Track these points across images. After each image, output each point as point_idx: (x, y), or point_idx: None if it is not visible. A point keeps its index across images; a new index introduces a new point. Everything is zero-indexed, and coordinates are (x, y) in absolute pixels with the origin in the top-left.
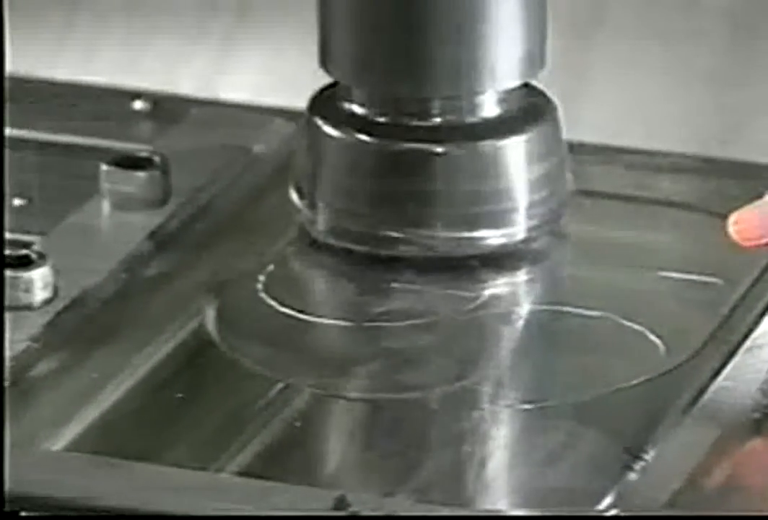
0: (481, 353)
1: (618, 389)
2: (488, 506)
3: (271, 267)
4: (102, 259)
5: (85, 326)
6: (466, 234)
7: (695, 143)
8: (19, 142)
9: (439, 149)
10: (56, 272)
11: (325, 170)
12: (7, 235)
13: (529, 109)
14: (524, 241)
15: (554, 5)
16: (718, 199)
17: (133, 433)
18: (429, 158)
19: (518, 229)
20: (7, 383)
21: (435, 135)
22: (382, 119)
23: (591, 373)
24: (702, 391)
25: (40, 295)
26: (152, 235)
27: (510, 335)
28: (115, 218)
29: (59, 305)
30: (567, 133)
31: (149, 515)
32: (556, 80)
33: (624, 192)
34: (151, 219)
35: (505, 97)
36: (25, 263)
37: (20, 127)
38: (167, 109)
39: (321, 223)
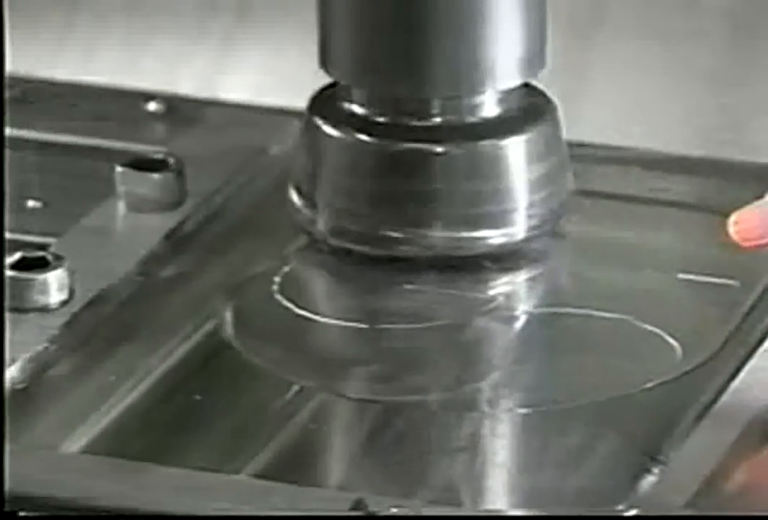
0: (498, 355)
1: (635, 392)
2: (504, 508)
3: (286, 269)
4: (118, 261)
5: (101, 327)
6: (467, 234)
7: (695, 143)
8: (34, 144)
9: (439, 149)
10: (72, 273)
11: (325, 170)
12: (23, 237)
13: (529, 109)
14: (526, 241)
15: (554, 5)
16: (718, 199)
17: (150, 435)
18: (429, 158)
19: (518, 229)
20: (23, 385)
21: (435, 135)
22: (381, 119)
23: (607, 375)
24: (719, 393)
25: (56, 297)
26: (168, 236)
27: (527, 337)
28: (131, 220)
29: (76, 306)
30: (567, 133)
31: (149, 515)
32: (556, 80)
33: (624, 192)
34: (167, 221)
35: (505, 97)
36: (42, 264)
37: (34, 129)
38: (182, 110)
39: (321, 224)
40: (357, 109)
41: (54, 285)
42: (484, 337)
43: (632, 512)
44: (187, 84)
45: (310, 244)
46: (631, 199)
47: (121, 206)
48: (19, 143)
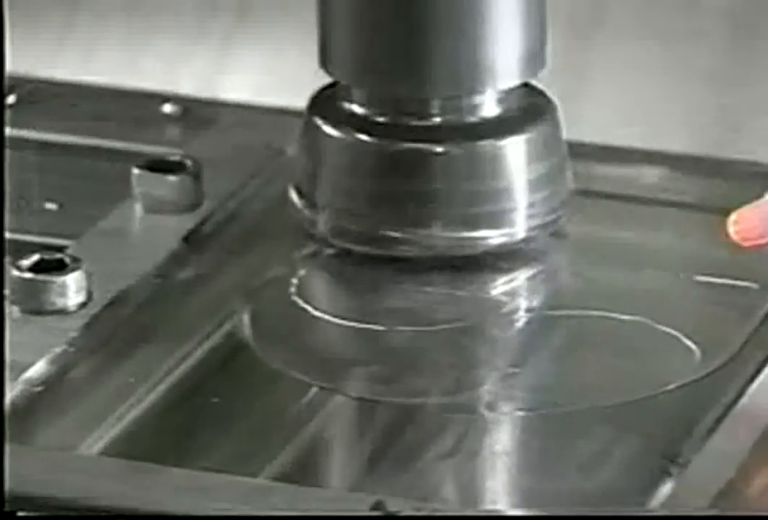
0: (516, 357)
1: (655, 395)
2: (522, 509)
3: (303, 270)
4: (135, 262)
5: (119, 329)
6: (467, 234)
7: (695, 143)
8: (50, 146)
9: (439, 149)
10: (90, 275)
11: (325, 170)
12: (40, 240)
13: (529, 108)
14: (527, 241)
15: (554, 5)
16: (718, 199)
17: (168, 437)
18: (429, 158)
19: (518, 229)
20: (42, 387)
21: (435, 135)
22: (381, 119)
23: (626, 378)
24: (739, 395)
25: (74, 299)
26: (185, 238)
27: (545, 339)
28: (148, 222)
29: (94, 308)
30: (567, 133)
31: (149, 515)
32: (556, 80)
33: (624, 192)
34: (184, 222)
35: (505, 96)
36: (60, 267)
37: (50, 131)
38: (197, 112)
39: (321, 224)
40: (357, 109)
41: (72, 287)
42: (508, 340)
43: (658, 512)
44: (188, 84)
45: (329, 246)
46: (631, 199)
47: (138, 208)
48: (35, 145)
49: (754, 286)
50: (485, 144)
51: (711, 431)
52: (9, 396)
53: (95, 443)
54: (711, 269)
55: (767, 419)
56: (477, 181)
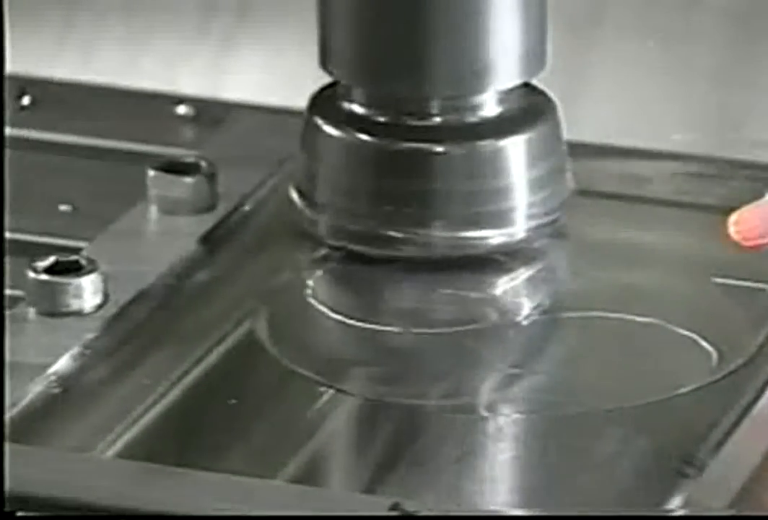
0: (533, 358)
1: (671, 396)
2: (540, 511)
3: (319, 272)
4: (151, 264)
5: (135, 331)
6: (467, 234)
7: (696, 143)
8: (65, 148)
9: (439, 149)
10: (106, 277)
11: (325, 170)
12: (56, 241)
13: (529, 108)
14: (527, 241)
15: (554, 5)
16: (718, 198)
17: (185, 439)
18: (429, 158)
19: (518, 229)
20: (59, 389)
21: (435, 135)
22: (381, 119)
23: (643, 379)
24: (756, 397)
25: (91, 301)
26: (201, 240)
27: (558, 341)
28: (163, 224)
29: (110, 310)
30: (567, 133)
31: (149, 515)
32: (556, 80)
33: (624, 192)
34: (199, 224)
35: (505, 96)
36: (76, 268)
37: (65, 132)
38: (211, 114)
39: (321, 223)
40: (357, 108)
41: (88, 289)
42: (527, 342)
43: (678, 513)
44: (187, 83)
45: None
46: (632, 199)
47: (153, 210)
48: (50, 147)
49: None
50: (485, 144)
51: (728, 433)
52: (26, 398)
53: (111, 445)
54: (719, 269)
55: None
56: (477, 181)
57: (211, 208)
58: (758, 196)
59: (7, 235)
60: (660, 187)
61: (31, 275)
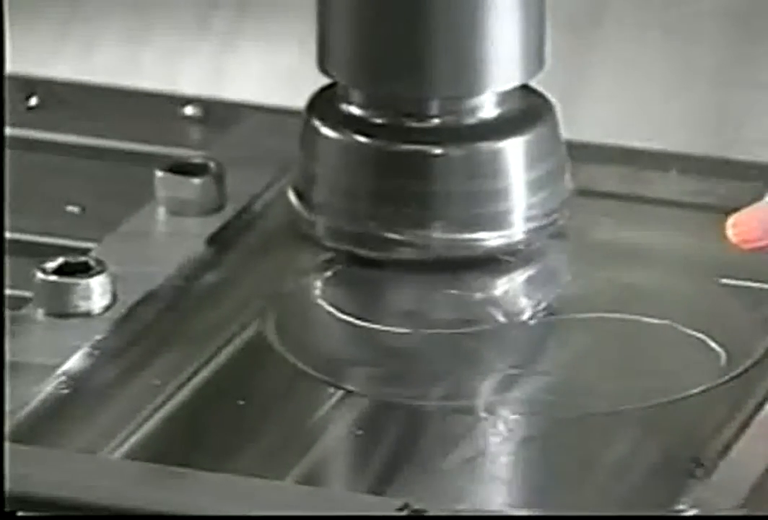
0: (538, 359)
1: (680, 397)
2: (547, 512)
3: (328, 273)
4: (159, 265)
5: (144, 332)
6: (465, 235)
7: (695, 143)
8: (72, 149)
9: (438, 151)
10: (114, 278)
11: (323, 171)
12: (64, 242)
13: (527, 110)
14: (527, 242)
15: (553, 5)
16: (718, 198)
17: (194, 440)
18: (427, 160)
19: (517, 231)
20: (67, 390)
21: (433, 136)
22: (380, 120)
23: (651, 380)
24: (765, 398)
25: (99, 302)
26: (209, 241)
27: (565, 342)
28: (171, 225)
29: (118, 311)
30: (567, 133)
31: (150, 515)
32: (556, 80)
33: (624, 192)
34: (207, 225)
35: (504, 98)
36: (84, 269)
37: (73, 133)
38: (219, 114)
39: (318, 225)
40: (355, 110)
41: (97, 290)
42: (536, 342)
43: (690, 512)
44: (187, 83)
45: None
46: (632, 199)
47: (161, 211)
48: (58, 148)
49: None
50: (484, 145)
51: (737, 433)
52: (34, 399)
53: (120, 446)
54: (724, 270)
55: None
56: (476, 182)
57: (219, 209)
58: (758, 196)
59: (16, 236)
60: (660, 187)
61: (40, 275)
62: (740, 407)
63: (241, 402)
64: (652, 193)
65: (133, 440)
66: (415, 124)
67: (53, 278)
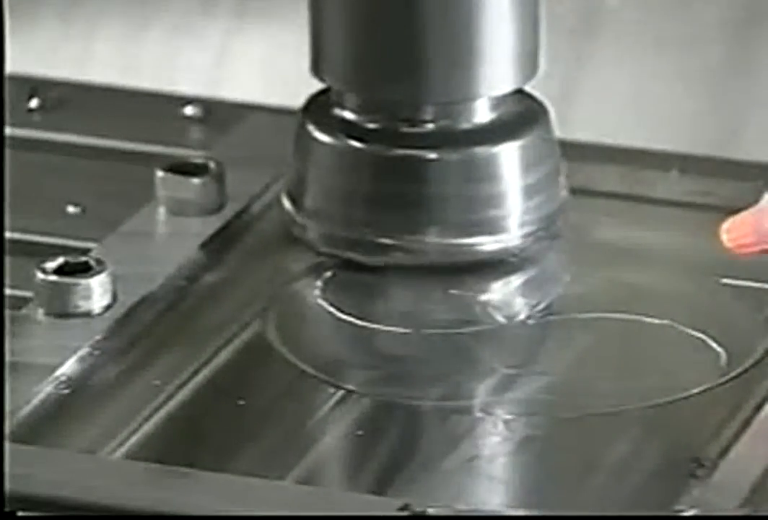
0: (542, 360)
1: (681, 397)
2: (548, 512)
3: (328, 273)
4: (159, 265)
5: (144, 332)
6: (461, 241)
7: (695, 143)
8: (74, 149)
9: (433, 155)
10: (114, 278)
11: (317, 176)
12: (64, 242)
13: (522, 114)
14: (523, 246)
15: (551, 8)
16: (718, 198)
17: (194, 440)
18: (422, 164)
19: (513, 236)
20: (67, 390)
21: (428, 141)
22: (374, 125)
23: (651, 380)
24: (766, 398)
25: (99, 302)
26: (209, 241)
27: (566, 342)
28: (172, 225)
29: (119, 311)
30: (567, 133)
31: (150, 515)
32: (554, 80)
33: (624, 192)
34: (208, 225)
35: (499, 102)
36: (85, 269)
37: (73, 133)
38: (219, 114)
39: (312, 230)
40: (350, 115)
41: (97, 290)
42: (537, 342)
43: (690, 512)
44: (186, 82)
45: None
46: (632, 199)
47: (161, 211)
48: (58, 148)
49: None
50: (479, 150)
51: (737, 433)
52: (34, 399)
53: (120, 446)
54: (724, 270)
55: None
56: (471, 187)
57: (219, 209)
58: (758, 196)
59: (16, 236)
60: (660, 187)
61: (40, 275)
62: (740, 407)
63: (241, 402)
64: (653, 193)
65: (133, 440)
66: (409, 129)
67: (53, 277)
